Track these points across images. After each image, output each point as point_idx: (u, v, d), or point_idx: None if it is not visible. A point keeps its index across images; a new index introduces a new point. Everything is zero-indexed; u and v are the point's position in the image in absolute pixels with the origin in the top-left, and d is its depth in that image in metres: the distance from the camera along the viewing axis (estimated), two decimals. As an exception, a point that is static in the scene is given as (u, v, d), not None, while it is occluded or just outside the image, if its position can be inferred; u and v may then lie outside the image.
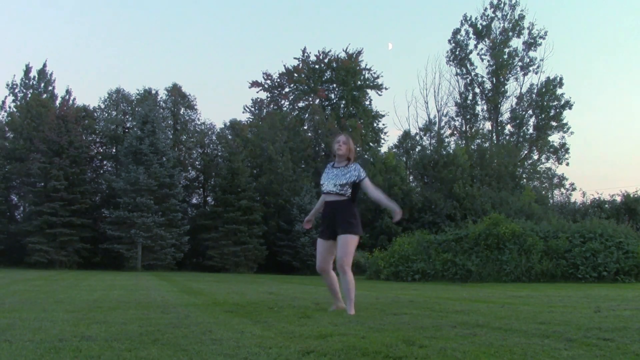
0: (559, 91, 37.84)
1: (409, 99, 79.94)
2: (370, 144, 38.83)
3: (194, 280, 14.63)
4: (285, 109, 40.25)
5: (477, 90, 39.43)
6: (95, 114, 33.45)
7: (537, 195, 33.34)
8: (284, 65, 40.38)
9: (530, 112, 38.85)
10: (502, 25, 38.76)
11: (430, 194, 30.19)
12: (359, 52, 40.31)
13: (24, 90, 34.24)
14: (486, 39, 38.77)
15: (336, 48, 58.67)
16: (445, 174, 31.03)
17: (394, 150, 34.81)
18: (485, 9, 38.94)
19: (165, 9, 61.12)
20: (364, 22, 61.79)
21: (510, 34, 38.60)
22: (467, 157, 32.45)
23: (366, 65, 40.83)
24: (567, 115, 38.33)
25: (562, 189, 38.36)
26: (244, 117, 40.85)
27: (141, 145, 27.80)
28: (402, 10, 59.60)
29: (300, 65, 40.18)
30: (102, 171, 32.91)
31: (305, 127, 37.73)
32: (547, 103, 37.91)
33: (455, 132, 39.47)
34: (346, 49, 40.18)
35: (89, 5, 58.19)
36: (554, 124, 38.17)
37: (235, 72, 62.63)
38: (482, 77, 39.08)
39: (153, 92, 34.71)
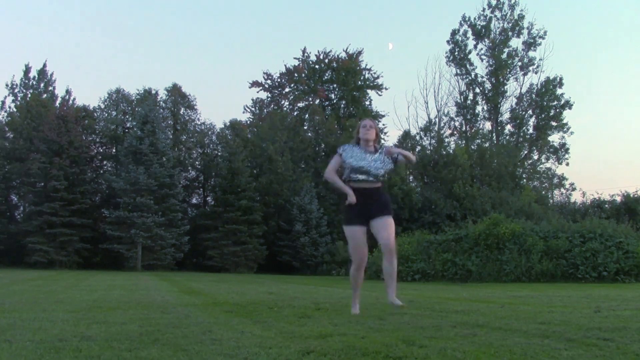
0: (558, 91, 37.84)
1: (409, 99, 79.86)
2: (370, 144, 38.80)
3: (194, 280, 14.63)
4: (285, 109, 40.25)
5: (477, 90, 39.44)
6: (95, 114, 33.45)
7: (537, 195, 33.34)
8: (285, 65, 40.46)
9: (530, 112, 38.84)
10: (501, 25, 38.76)
11: (430, 194, 30.20)
12: (359, 52, 40.37)
13: (24, 90, 34.20)
14: (485, 39, 38.76)
15: (336, 48, 58.65)
16: (445, 174, 31.04)
17: (394, 150, 34.74)
18: (484, 9, 38.97)
19: (166, 9, 61.16)
20: (364, 22, 61.81)
21: (510, 34, 38.58)
22: (467, 157, 32.45)
23: (366, 65, 40.92)
24: (567, 115, 38.36)
25: (562, 189, 38.37)
26: (244, 117, 40.89)
27: (141, 145, 27.80)
28: (402, 10, 59.66)
29: (301, 65, 40.19)
30: (102, 171, 32.90)
31: (305, 127, 37.73)
32: (547, 103, 37.88)
33: (455, 132, 39.46)
34: (346, 49, 40.26)
35: (89, 5, 58.20)
36: (554, 124, 38.15)
37: (235, 72, 62.65)
38: (482, 77, 39.09)
39: (153, 92, 34.73)
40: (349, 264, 4.88)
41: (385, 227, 4.55)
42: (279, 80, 40.59)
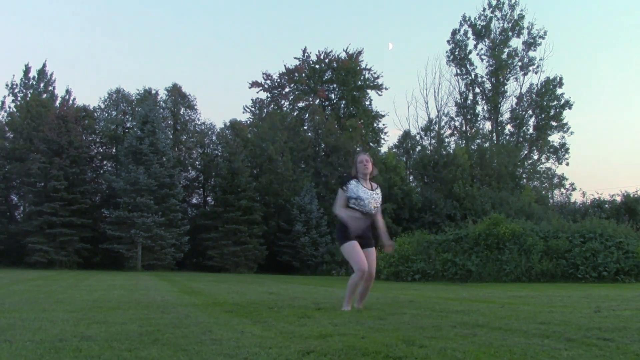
0: (558, 91, 37.87)
1: (409, 99, 79.98)
2: (371, 144, 38.83)
3: (194, 280, 14.63)
4: (285, 109, 40.25)
5: (477, 90, 39.46)
6: (95, 114, 33.42)
7: (537, 195, 33.35)
8: (285, 65, 40.47)
9: (530, 112, 38.86)
10: (501, 25, 38.79)
11: (430, 194, 30.20)
12: (359, 52, 40.34)
13: (24, 90, 34.19)
14: (485, 39, 38.79)
15: (337, 48, 58.68)
16: (445, 174, 31.04)
17: (394, 150, 34.84)
18: (484, 9, 38.98)
19: (165, 9, 61.17)
20: (364, 22, 61.87)
21: (510, 33, 38.60)
22: (467, 157, 32.46)
23: (366, 65, 40.88)
24: (567, 115, 38.41)
25: (562, 189, 38.38)
26: (244, 117, 40.90)
27: (141, 145, 27.78)
28: (402, 10, 59.66)
29: (301, 65, 40.19)
30: (102, 171, 32.87)
31: (305, 127, 37.71)
32: (547, 103, 37.91)
33: (455, 132, 39.48)
34: (346, 49, 40.24)
35: (89, 5, 58.22)
36: (554, 124, 38.17)
37: (235, 72, 62.70)
38: (482, 77, 39.10)
39: (153, 92, 34.70)
40: (350, 269, 5.30)
41: (372, 258, 5.11)
42: (278, 80, 40.61)
